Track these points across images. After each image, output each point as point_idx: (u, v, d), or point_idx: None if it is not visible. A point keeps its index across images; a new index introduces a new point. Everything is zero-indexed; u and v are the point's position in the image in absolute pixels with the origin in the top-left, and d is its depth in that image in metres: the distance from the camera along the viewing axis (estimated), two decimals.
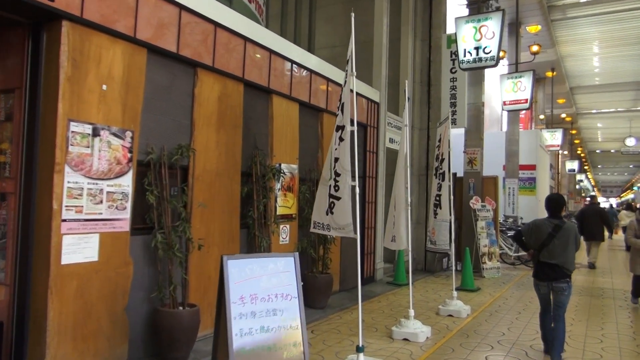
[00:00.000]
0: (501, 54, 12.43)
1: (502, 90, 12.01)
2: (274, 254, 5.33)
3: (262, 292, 3.72)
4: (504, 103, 11.99)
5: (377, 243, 9.04)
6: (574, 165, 32.47)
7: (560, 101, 24.34)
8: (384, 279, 9.28)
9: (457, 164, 11.26)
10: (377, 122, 9.17)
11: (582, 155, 41.79)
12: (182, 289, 4.58)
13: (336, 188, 4.44)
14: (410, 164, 10.80)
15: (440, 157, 6.99)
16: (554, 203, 4.92)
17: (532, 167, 16.07)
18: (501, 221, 12.54)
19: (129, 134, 4.27)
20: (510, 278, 9.80)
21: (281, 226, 6.38)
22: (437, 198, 6.99)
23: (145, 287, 4.46)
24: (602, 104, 28.27)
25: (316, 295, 6.68)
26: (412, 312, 5.51)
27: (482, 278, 9.67)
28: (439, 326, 5.92)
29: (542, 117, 21.31)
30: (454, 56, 10.55)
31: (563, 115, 25.21)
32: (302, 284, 4.01)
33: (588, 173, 53.03)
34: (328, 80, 7.57)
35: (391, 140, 9.86)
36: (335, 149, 4.57)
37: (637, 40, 17.47)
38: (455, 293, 6.68)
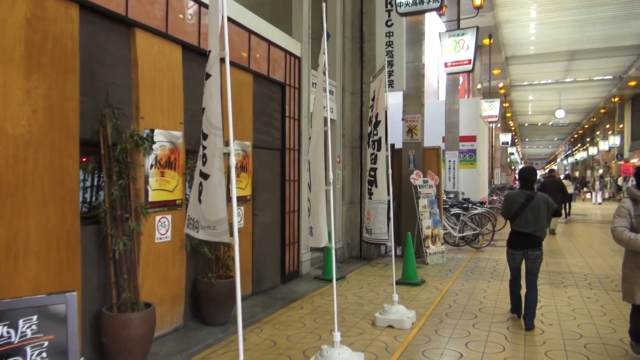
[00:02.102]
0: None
1: (443, 50, 10.65)
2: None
3: None
4: (445, 64, 10.64)
5: (302, 230, 7.40)
6: (507, 138, 32.46)
7: (496, 72, 23.69)
8: (311, 272, 7.69)
9: (396, 137, 9.82)
10: (299, 82, 7.43)
11: (513, 128, 42.37)
12: None
13: (204, 159, 2.68)
14: (341, 133, 9.22)
15: (374, 120, 5.38)
16: (527, 174, 5.05)
17: (473, 139, 15.05)
18: (444, 198, 11.30)
19: None
20: (456, 263, 8.54)
21: (158, 217, 4.53)
22: (372, 173, 5.41)
23: None
24: (534, 75, 28.08)
25: (212, 308, 4.95)
26: (337, 337, 3.90)
27: (425, 265, 8.34)
28: (375, 347, 4.38)
29: (479, 86, 20.48)
30: (389, 6, 8.95)
31: (500, 85, 24.67)
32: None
33: (517, 146, 54.43)
34: (231, 20, 5.70)
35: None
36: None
37: (575, 5, 16.78)
38: (396, 297, 5.15)
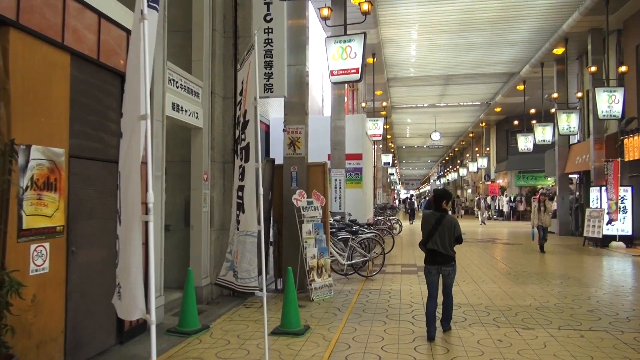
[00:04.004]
0: (327, 11, 10.02)
1: (329, 57, 9.65)
2: None
3: None
4: (332, 73, 9.62)
5: (150, 267, 5.61)
6: (388, 158, 33.12)
7: (378, 93, 23.77)
8: (166, 322, 5.90)
9: (277, 151, 8.51)
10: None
11: (393, 149, 43.81)
12: None
13: None
14: (209, 145, 7.62)
15: (242, 119, 3.92)
16: (438, 197, 5.45)
17: (359, 157, 14.33)
18: (330, 221, 10.17)
19: None
20: (345, 298, 7.33)
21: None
22: (240, 193, 3.93)
23: None
24: (413, 98, 28.97)
25: None
26: None
27: (309, 302, 7.00)
28: None
29: (363, 104, 20.15)
30: None
31: (384, 104, 24.78)
32: None
33: (396, 167, 56.75)
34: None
35: (177, 107, 6.49)
36: None
37: (452, 29, 17.15)
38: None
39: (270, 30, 7.75)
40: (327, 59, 9.79)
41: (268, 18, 7.74)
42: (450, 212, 5.72)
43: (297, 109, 8.01)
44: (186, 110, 6.74)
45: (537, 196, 13.69)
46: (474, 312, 6.28)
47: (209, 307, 6.76)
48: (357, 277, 9.03)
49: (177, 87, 6.53)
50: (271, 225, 8.23)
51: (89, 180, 4.61)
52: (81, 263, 4.47)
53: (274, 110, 13.81)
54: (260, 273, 3.98)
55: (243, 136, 3.86)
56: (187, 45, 7.47)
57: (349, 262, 8.99)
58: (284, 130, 8.01)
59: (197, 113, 7.07)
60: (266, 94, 7.76)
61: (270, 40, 7.71)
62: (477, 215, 28.09)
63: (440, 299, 5.38)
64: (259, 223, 3.78)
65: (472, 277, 8.98)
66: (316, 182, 8.11)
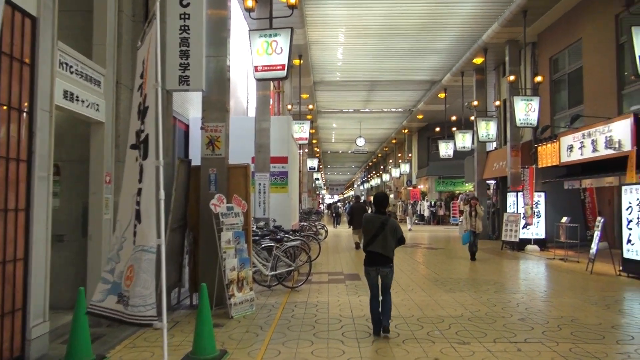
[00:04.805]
0: (251, 2, 9.35)
1: (253, 52, 8.97)
2: None
3: None
4: (256, 69, 8.95)
5: (31, 288, 4.62)
6: (314, 163, 32.84)
7: (304, 96, 23.35)
8: (52, 353, 4.91)
9: (197, 153, 7.71)
10: (33, 55, 4.73)
11: (318, 154, 43.71)
12: None
13: None
14: (113, 142, 6.63)
15: (142, 106, 3.18)
16: (380, 200, 5.86)
17: (285, 160, 13.72)
18: (253, 228, 9.46)
19: None
20: (268, 313, 6.66)
21: None
22: (138, 198, 3.17)
23: None
24: (339, 102, 28.92)
25: None
26: None
27: (228, 320, 6.26)
28: None
29: (289, 107, 19.59)
30: None
31: (310, 107, 24.38)
32: None
33: (322, 172, 56.85)
34: None
35: (71, 97, 5.51)
36: None
37: (378, 33, 17.10)
38: None
39: (186, 16, 6.94)
40: (251, 53, 9.13)
41: (184, 2, 6.92)
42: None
43: (216, 104, 7.26)
44: (83, 101, 5.76)
45: (468, 200, 13.76)
46: (406, 326, 5.87)
47: (109, 330, 5.79)
48: (281, 289, 8.39)
49: (72, 73, 5.55)
50: (187, 234, 7.40)
51: None
52: None
53: (194, 108, 12.85)
54: (160, 298, 3.23)
55: (142, 127, 3.12)
56: (89, 27, 6.48)
57: (272, 273, 8.33)
58: (201, 128, 7.22)
59: (97, 105, 6.10)
60: (182, 87, 6.94)
61: (186, 28, 6.91)
62: (406, 220, 28.51)
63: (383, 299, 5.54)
64: (159, 236, 3.05)
65: (402, 285, 8.67)
66: (237, 185, 7.39)
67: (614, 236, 13.24)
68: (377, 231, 5.43)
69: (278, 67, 8.86)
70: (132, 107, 3.31)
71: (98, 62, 6.25)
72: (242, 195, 7.16)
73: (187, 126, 12.67)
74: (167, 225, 6.66)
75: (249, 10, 9.28)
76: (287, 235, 9.85)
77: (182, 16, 6.91)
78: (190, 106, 12.67)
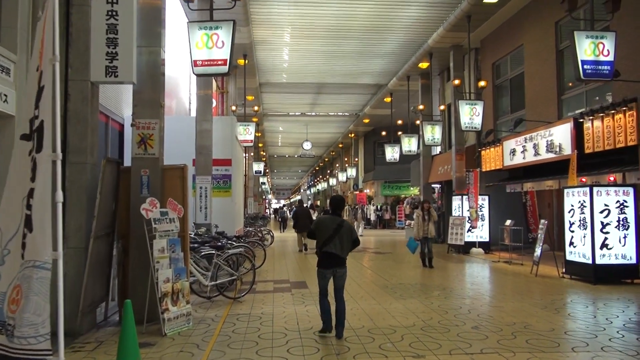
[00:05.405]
0: None
1: (192, 45, 8.33)
2: None
3: None
4: (195, 63, 8.30)
5: None
6: (260, 167, 32.11)
7: (250, 98, 22.70)
8: None
9: (129, 155, 7.00)
10: None
11: (264, 158, 42.99)
12: None
13: None
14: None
15: (37, 87, 2.56)
16: (337, 203, 5.88)
17: (228, 163, 13.04)
18: (192, 234, 8.78)
19: None
20: (207, 329, 6.05)
21: None
22: (29, 199, 2.54)
23: None
24: (285, 105, 28.45)
25: None
26: None
27: (161, 338, 5.61)
28: None
29: (233, 108, 18.88)
30: None
31: (256, 108, 23.70)
32: None
33: (268, 176, 56.05)
34: None
35: None
36: None
37: (325, 35, 16.80)
38: None
39: (114, 2, 6.24)
40: (190, 47, 8.49)
41: None
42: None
43: (149, 99, 6.59)
44: None
45: (416, 204, 13.60)
46: (357, 339, 5.46)
47: None
48: (223, 300, 7.78)
49: None
50: (115, 241, 6.66)
51: None
52: None
53: (129, 106, 11.95)
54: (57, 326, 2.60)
55: (37, 112, 2.51)
56: None
57: (213, 283, 7.71)
58: (132, 125, 6.53)
59: (6, 95, 5.31)
60: (109, 79, 6.22)
61: (114, 13, 6.20)
62: (356, 225, 28.37)
63: (334, 307, 5.57)
64: (55, 248, 2.44)
65: (350, 293, 8.28)
66: (173, 188, 6.73)
67: (554, 239, 13.58)
68: (333, 232, 5.47)
69: (219, 62, 8.27)
70: (29, 92, 2.69)
71: (7, 46, 5.45)
72: (178, 199, 6.52)
73: (122, 126, 11.75)
74: (90, 232, 5.93)
75: (187, 0, 8.63)
76: (230, 242, 9.24)
77: (110, 1, 6.21)
78: (125, 103, 11.78)
